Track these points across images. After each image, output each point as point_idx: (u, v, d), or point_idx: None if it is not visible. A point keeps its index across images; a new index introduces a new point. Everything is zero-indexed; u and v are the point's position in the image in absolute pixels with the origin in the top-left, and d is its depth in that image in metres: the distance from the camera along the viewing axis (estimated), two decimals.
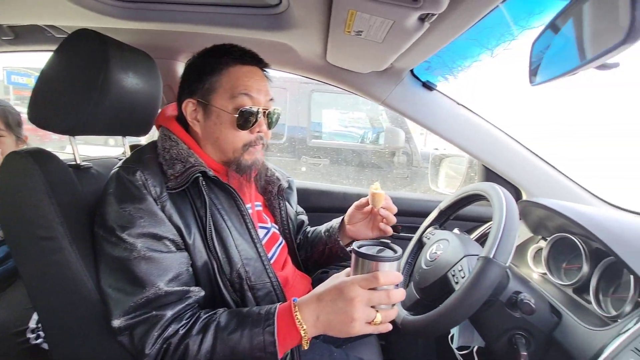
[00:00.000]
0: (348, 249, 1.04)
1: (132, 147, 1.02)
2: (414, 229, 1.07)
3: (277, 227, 0.99)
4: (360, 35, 0.72)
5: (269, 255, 0.89)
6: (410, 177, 3.03)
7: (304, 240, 1.13)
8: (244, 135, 0.78)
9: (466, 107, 1.12)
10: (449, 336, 0.99)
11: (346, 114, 4.26)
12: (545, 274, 0.99)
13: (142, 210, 0.67)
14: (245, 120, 0.75)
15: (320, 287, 0.63)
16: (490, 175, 1.25)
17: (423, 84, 1.07)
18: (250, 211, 0.88)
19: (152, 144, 0.80)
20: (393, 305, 0.61)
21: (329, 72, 1.07)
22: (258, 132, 0.79)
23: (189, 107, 0.78)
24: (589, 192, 1.21)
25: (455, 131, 1.10)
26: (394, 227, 1.48)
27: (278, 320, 0.62)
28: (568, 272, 0.93)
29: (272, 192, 0.99)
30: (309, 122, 3.27)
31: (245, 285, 0.75)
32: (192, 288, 0.69)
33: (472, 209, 1.41)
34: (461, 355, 1.01)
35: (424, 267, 0.89)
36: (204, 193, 0.73)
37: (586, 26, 0.34)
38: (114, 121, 0.83)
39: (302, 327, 0.60)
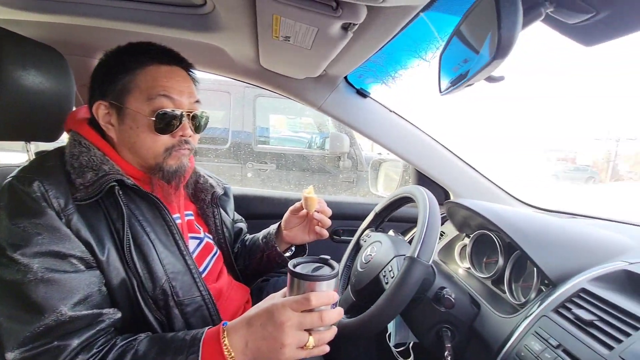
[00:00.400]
0: (286, 254, 1.03)
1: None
2: (354, 232, 1.09)
3: (211, 236, 0.94)
4: (289, 41, 0.72)
5: (202, 267, 0.85)
6: (355, 181, 3.13)
7: (242, 249, 1.10)
8: (165, 140, 0.73)
9: (397, 114, 1.18)
10: (387, 334, 1.02)
11: (294, 119, 4.28)
12: (469, 268, 1.07)
13: (40, 226, 0.59)
14: (165, 123, 0.71)
15: (252, 310, 0.60)
16: (422, 178, 1.33)
17: (357, 91, 1.11)
18: (178, 221, 0.82)
19: (58, 151, 0.71)
20: (331, 325, 0.58)
21: (264, 76, 1.06)
22: (181, 135, 0.74)
23: (101, 109, 0.71)
24: (505, 191, 1.34)
25: (388, 136, 1.15)
26: (334, 232, 1.52)
27: (204, 347, 0.57)
28: (488, 266, 1.02)
29: (205, 200, 0.94)
30: (255, 127, 3.21)
31: (171, 301, 0.70)
32: (106, 310, 0.62)
33: (408, 210, 1.49)
34: (398, 352, 1.05)
35: (359, 269, 0.91)
36: (121, 203, 0.67)
37: (471, 41, 0.38)
38: (12, 124, 0.72)
39: (230, 354, 0.56)
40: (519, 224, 0.78)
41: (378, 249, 0.90)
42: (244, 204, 1.38)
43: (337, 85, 1.09)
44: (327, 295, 0.56)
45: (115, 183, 0.67)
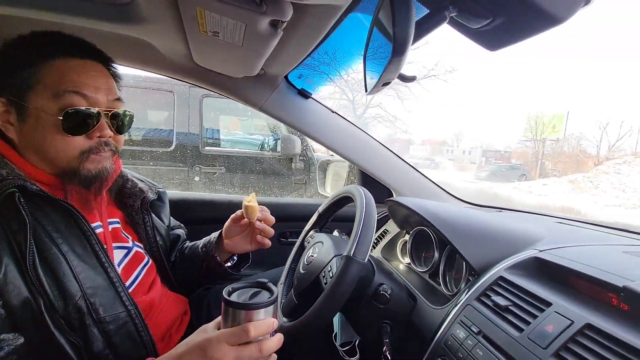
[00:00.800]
0: (227, 264, 0.99)
1: None
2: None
3: (141, 245, 0.87)
4: (218, 36, 0.68)
5: (130, 279, 0.78)
6: (308, 182, 3.13)
7: (181, 258, 1.03)
8: (80, 141, 0.65)
9: (339, 115, 1.19)
10: (333, 335, 1.02)
11: (247, 121, 4.18)
12: (409, 263, 1.12)
13: None
14: (77, 123, 0.64)
15: (181, 346, 0.54)
16: (366, 178, 1.37)
17: (299, 91, 1.11)
18: (99, 230, 0.75)
19: None
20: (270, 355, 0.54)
21: (199, 74, 1.01)
22: (99, 137, 0.67)
23: None
24: (443, 189, 1.42)
25: (331, 137, 1.16)
26: (281, 234, 1.50)
27: None
28: (426, 260, 1.07)
29: (134, 206, 0.87)
30: (201, 128, 3.06)
31: (87, 320, 0.63)
32: (4, 336, 0.54)
33: (353, 209, 1.53)
34: (344, 351, 1.05)
35: (302, 271, 0.90)
36: (23, 213, 0.59)
37: (378, 40, 0.40)
38: None
39: None
40: (449, 219, 0.82)
41: (319, 249, 0.89)
42: (183, 208, 1.30)
43: (278, 85, 1.07)
44: (266, 324, 0.52)
45: (15, 189, 0.59)
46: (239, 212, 0.91)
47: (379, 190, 1.36)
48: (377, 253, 1.22)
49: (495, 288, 0.66)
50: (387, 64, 0.37)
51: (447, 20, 0.39)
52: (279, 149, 3.21)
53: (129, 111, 0.74)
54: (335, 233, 1.04)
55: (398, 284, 0.89)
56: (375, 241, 1.29)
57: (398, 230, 1.22)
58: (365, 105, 12.85)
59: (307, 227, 1.10)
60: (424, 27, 0.40)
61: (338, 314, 1.15)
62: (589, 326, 0.48)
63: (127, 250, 0.81)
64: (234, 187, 3.12)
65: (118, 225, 0.82)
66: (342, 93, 12.89)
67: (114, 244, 0.78)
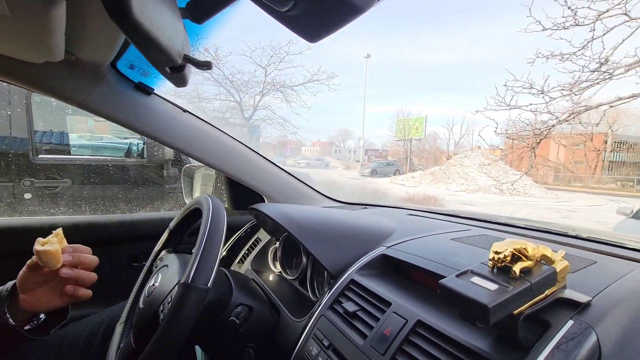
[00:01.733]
0: (27, 327, 0.70)
1: None
2: None
3: None
4: None
5: None
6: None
7: None
8: None
9: (194, 115, 1.05)
10: None
11: (105, 122, 3.51)
12: (280, 272, 1.06)
13: None
14: None
15: None
16: (234, 184, 1.25)
17: (136, 85, 0.91)
18: None
19: None
20: None
21: None
22: None
23: None
24: (315, 190, 1.42)
25: (184, 139, 1.00)
26: (133, 257, 1.26)
27: None
28: (297, 266, 1.02)
29: None
30: (31, 131, 2.38)
31: None
32: None
33: (240, 218, 1.40)
34: None
35: (141, 305, 0.73)
36: None
37: None
38: None
39: None
40: (306, 224, 0.78)
41: (163, 276, 0.74)
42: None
43: (105, 77, 0.86)
44: None
45: None
46: (34, 258, 0.65)
47: (250, 196, 1.27)
48: (247, 266, 1.12)
49: (347, 293, 0.64)
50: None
51: None
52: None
53: None
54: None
55: (260, 300, 0.81)
56: (246, 252, 1.20)
57: (269, 237, 1.15)
58: (254, 107, 12.63)
59: (156, 248, 0.92)
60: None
61: (199, 349, 1.01)
62: (420, 323, 0.49)
63: None
64: (86, 203, 2.54)
65: None
66: (228, 94, 12.35)
67: None
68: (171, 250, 0.92)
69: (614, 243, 0.74)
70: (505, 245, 0.41)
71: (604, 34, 3.75)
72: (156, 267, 0.85)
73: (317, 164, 27.85)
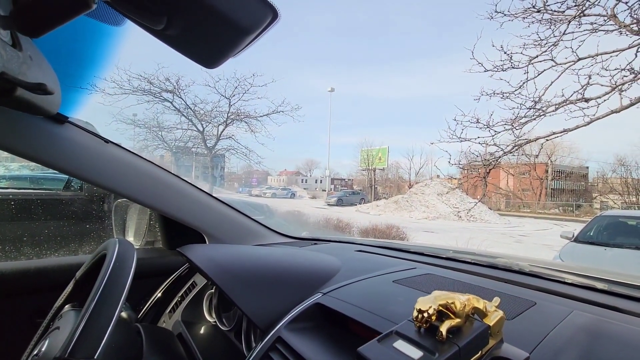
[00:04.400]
0: None
1: None
2: None
3: None
4: None
5: None
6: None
7: None
8: None
9: (119, 146, 0.94)
10: None
11: None
12: (215, 322, 0.94)
13: None
14: None
15: None
16: (169, 222, 1.13)
17: None
18: None
19: None
20: None
21: None
22: None
23: None
24: (264, 226, 1.33)
25: (105, 173, 0.89)
26: (36, 311, 1.07)
27: None
28: (235, 315, 0.91)
29: None
30: None
31: None
32: None
33: (157, 261, 1.24)
34: None
35: None
36: None
37: None
38: None
39: None
40: (232, 268, 0.69)
41: (51, 342, 0.60)
42: None
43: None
44: None
45: None
46: None
47: (188, 235, 1.14)
48: (177, 316, 0.99)
49: (271, 354, 0.55)
50: None
51: (92, 9, 0.26)
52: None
53: None
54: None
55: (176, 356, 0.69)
56: (179, 299, 1.06)
57: (205, 281, 1.03)
58: (217, 136, 12.39)
59: (58, 302, 0.78)
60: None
61: None
62: None
63: None
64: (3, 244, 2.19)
65: None
66: (189, 124, 12.06)
67: None
68: (77, 304, 0.78)
69: (554, 278, 0.73)
70: (430, 302, 0.36)
71: (535, 77, 4.19)
72: (51, 328, 0.71)
73: (284, 194, 27.63)
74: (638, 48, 3.57)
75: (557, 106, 4.06)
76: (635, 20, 3.55)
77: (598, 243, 4.42)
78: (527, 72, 4.24)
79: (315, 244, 1.26)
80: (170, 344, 0.73)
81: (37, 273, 1.00)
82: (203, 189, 1.19)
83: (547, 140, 4.54)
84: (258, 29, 0.29)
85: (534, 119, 4.33)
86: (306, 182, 42.44)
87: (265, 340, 0.57)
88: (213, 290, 0.97)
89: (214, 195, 1.20)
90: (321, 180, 39.97)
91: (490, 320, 0.39)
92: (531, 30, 4.13)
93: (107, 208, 2.47)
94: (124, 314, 0.71)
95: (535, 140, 4.79)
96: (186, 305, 1.03)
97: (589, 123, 3.82)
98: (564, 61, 4.09)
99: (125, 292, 0.55)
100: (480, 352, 0.38)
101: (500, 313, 0.41)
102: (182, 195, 1.07)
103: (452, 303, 0.36)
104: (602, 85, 3.75)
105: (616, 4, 3.65)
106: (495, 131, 4.55)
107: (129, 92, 10.59)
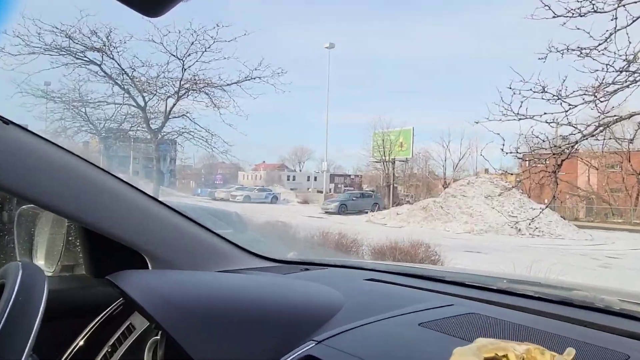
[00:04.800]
0: None
1: None
2: None
3: None
4: None
5: None
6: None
7: None
8: None
9: (24, 129, 0.96)
10: None
11: None
12: None
13: None
14: None
15: None
16: (94, 237, 1.15)
17: None
18: None
19: None
20: None
21: None
22: None
23: None
24: (238, 246, 1.35)
25: (2, 168, 0.90)
26: None
27: None
28: None
29: None
30: None
31: None
32: None
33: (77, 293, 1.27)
34: None
35: None
36: None
37: None
38: None
39: None
40: (187, 306, 0.71)
41: None
42: None
43: None
44: None
45: None
46: None
47: (121, 258, 1.16)
48: None
49: None
50: None
51: None
52: None
53: None
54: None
55: None
56: (110, 350, 1.08)
57: (147, 323, 1.05)
58: (165, 114, 12.34)
59: None
60: None
61: None
62: None
63: None
64: None
65: None
66: (125, 96, 11.99)
67: None
68: None
69: None
70: (472, 355, 0.37)
71: (628, 24, 4.18)
72: None
73: (261, 197, 27.65)
74: None
75: None
76: None
77: None
78: (616, 18, 4.25)
79: (307, 269, 1.28)
80: None
81: None
82: (145, 190, 1.21)
83: None
84: None
85: (628, 86, 4.34)
86: (294, 179, 42.63)
87: None
88: (159, 337, 0.99)
89: (160, 199, 1.22)
90: (315, 177, 40.16)
91: None
92: None
93: (6, 218, 2.47)
94: None
95: (629, 118, 4.81)
96: (120, 357, 1.04)
97: None
98: None
99: (31, 340, 0.56)
100: None
101: None
102: (114, 199, 1.10)
103: (503, 356, 0.38)
104: None
105: None
106: (569, 104, 4.56)
107: (39, 51, 10.53)
